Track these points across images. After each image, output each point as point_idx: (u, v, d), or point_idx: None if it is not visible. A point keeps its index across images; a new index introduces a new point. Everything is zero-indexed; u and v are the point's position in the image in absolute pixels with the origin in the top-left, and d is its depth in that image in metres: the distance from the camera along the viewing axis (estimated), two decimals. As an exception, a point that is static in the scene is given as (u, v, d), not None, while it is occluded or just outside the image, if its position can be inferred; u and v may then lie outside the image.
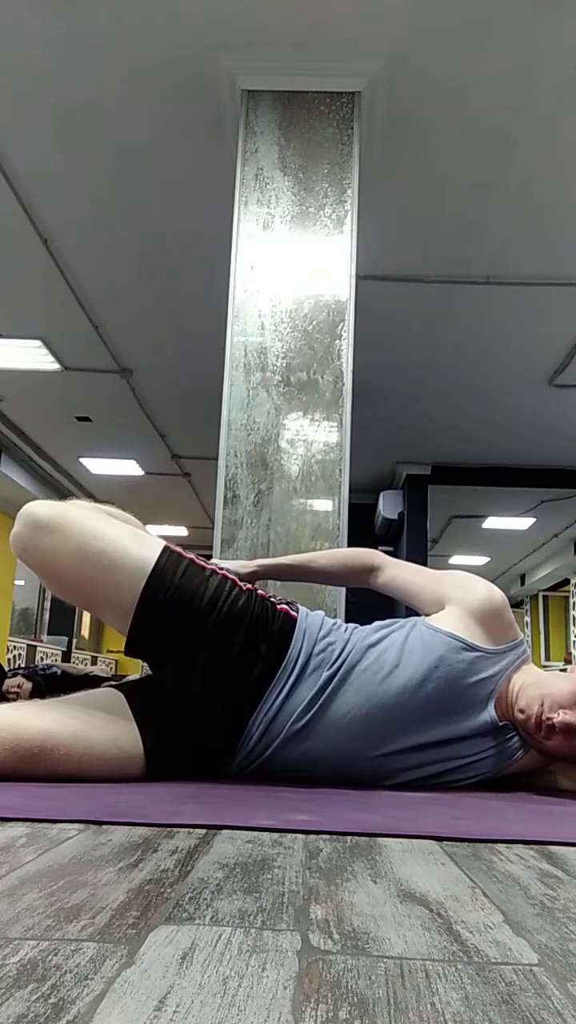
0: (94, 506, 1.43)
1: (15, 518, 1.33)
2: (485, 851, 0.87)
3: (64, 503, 1.37)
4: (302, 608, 1.45)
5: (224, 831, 0.90)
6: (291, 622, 1.38)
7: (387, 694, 1.33)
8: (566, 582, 12.62)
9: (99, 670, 7.70)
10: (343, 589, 2.37)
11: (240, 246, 2.68)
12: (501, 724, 1.37)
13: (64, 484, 8.70)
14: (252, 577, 1.57)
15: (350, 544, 2.44)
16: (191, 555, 1.39)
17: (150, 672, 1.42)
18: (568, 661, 12.13)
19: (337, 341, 2.59)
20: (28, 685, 4.84)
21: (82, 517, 1.33)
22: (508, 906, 0.66)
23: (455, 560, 11.57)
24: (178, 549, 1.38)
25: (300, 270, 2.65)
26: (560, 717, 1.29)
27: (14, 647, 9.65)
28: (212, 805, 1.08)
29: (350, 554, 1.68)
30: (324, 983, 0.47)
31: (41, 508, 1.32)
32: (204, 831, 0.89)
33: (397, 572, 1.58)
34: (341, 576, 1.67)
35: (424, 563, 7.13)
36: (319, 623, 1.42)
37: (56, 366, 5.59)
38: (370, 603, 1.69)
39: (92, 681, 5.09)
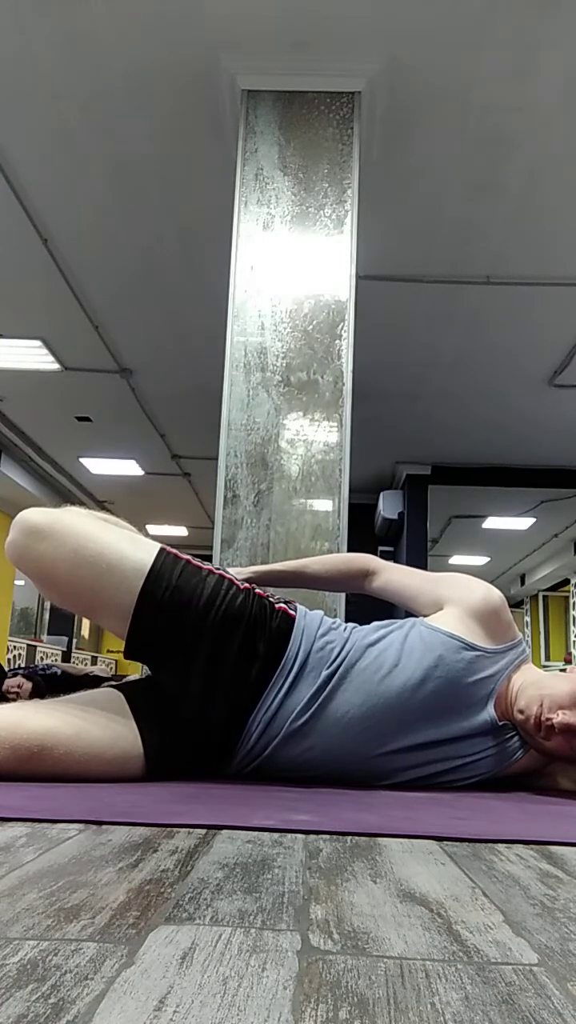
0: (89, 512, 1.43)
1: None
2: (485, 851, 0.87)
3: (59, 509, 1.37)
4: (300, 607, 1.45)
5: (224, 831, 0.90)
6: (289, 621, 1.39)
7: (386, 693, 1.33)
8: (566, 582, 12.62)
9: (99, 670, 7.71)
10: (343, 589, 2.37)
11: (240, 246, 2.68)
12: (501, 724, 1.37)
13: (64, 484, 8.70)
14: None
15: (350, 545, 2.44)
16: (187, 556, 1.39)
17: (150, 672, 1.42)
18: (568, 661, 12.13)
19: (337, 341, 2.59)
20: (28, 685, 4.84)
21: (77, 522, 1.34)
22: (508, 906, 0.66)
23: (455, 560, 11.57)
24: (174, 551, 1.39)
25: (300, 270, 2.66)
26: (559, 718, 1.28)
27: (14, 647, 9.65)
28: (212, 805, 1.08)
29: (344, 559, 1.68)
30: (324, 983, 0.47)
31: (36, 514, 1.32)
32: (204, 831, 0.89)
33: (393, 576, 1.58)
34: (336, 581, 1.66)
35: (424, 563, 7.15)
36: (318, 622, 1.42)
37: (56, 366, 5.59)
38: (370, 604, 1.68)
39: (92, 681, 5.09)
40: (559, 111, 3.02)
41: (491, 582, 1.50)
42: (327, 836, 0.90)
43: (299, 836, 0.90)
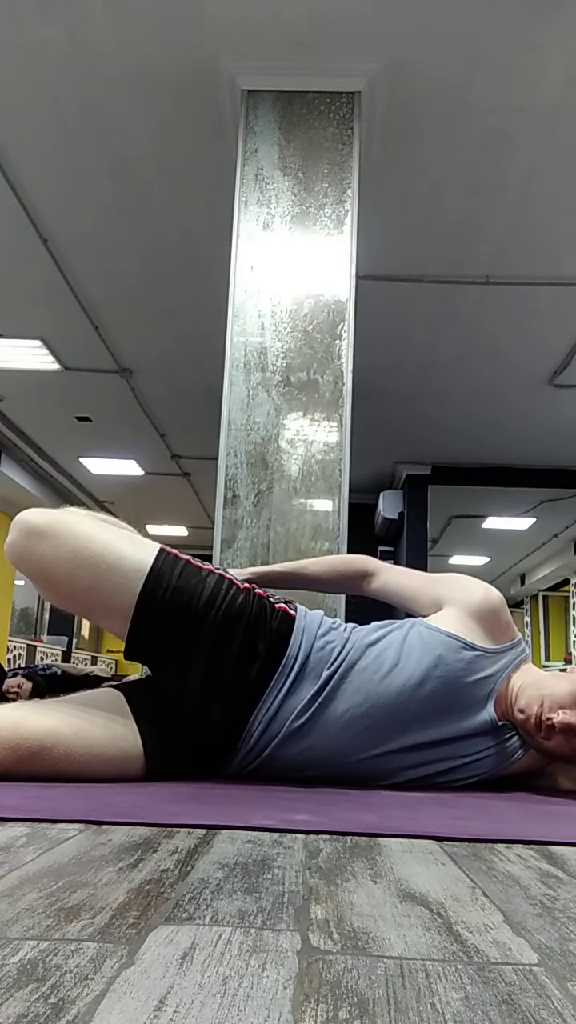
0: (88, 512, 1.43)
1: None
2: (485, 851, 0.87)
3: (58, 510, 1.37)
4: (300, 607, 1.45)
5: (224, 831, 0.90)
6: (289, 621, 1.39)
7: (386, 693, 1.33)
8: (566, 582, 12.62)
9: (99, 670, 7.71)
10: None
11: (240, 246, 2.68)
12: (500, 724, 1.38)
13: (64, 484, 8.70)
14: None
15: (350, 545, 2.44)
16: (187, 556, 1.39)
17: (150, 673, 1.42)
18: (568, 661, 12.13)
19: (337, 341, 2.59)
20: (28, 685, 4.85)
21: (76, 523, 1.34)
22: (508, 906, 0.66)
23: (455, 560, 11.57)
24: (174, 551, 1.39)
25: (300, 270, 2.65)
26: (560, 717, 1.29)
27: (14, 647, 9.65)
28: (212, 805, 1.08)
29: (343, 560, 1.68)
30: (324, 983, 0.47)
31: (35, 515, 1.32)
32: (204, 831, 0.89)
33: (391, 577, 1.58)
34: (334, 582, 1.66)
35: (424, 564, 7.16)
36: (318, 622, 1.42)
37: (56, 366, 5.59)
38: (370, 604, 1.68)
39: (92, 681, 5.09)
40: (559, 111, 3.02)
41: (491, 582, 1.50)
42: (327, 836, 0.90)
43: (299, 836, 0.90)
